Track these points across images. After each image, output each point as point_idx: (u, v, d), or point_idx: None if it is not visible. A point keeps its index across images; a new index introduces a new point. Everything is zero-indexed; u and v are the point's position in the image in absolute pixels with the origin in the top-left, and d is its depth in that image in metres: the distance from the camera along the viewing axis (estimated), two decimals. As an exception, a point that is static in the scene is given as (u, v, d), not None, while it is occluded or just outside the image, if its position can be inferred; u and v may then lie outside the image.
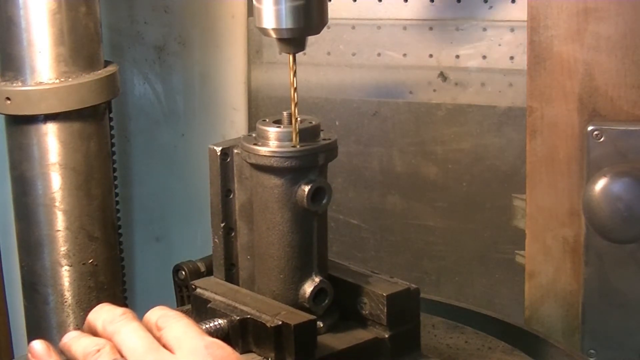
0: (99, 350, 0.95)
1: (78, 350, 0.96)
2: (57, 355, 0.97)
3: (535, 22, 1.51)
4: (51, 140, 1.46)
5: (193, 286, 1.16)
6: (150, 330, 0.97)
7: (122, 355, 0.94)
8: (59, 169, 1.47)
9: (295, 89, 1.07)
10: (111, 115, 1.55)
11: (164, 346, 0.94)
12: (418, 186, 1.84)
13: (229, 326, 1.07)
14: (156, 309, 0.99)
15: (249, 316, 1.07)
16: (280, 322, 1.04)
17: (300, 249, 1.10)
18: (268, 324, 1.04)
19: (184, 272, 1.42)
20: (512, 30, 1.73)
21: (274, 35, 1.06)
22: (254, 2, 1.06)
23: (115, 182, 1.58)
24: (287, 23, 1.05)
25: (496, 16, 1.74)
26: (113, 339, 0.96)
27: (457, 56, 1.78)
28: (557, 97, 1.52)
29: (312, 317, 1.06)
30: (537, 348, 1.31)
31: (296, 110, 1.08)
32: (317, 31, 1.06)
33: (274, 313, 1.06)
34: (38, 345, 0.97)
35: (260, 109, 1.94)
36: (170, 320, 0.96)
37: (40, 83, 1.44)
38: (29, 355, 0.97)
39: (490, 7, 1.74)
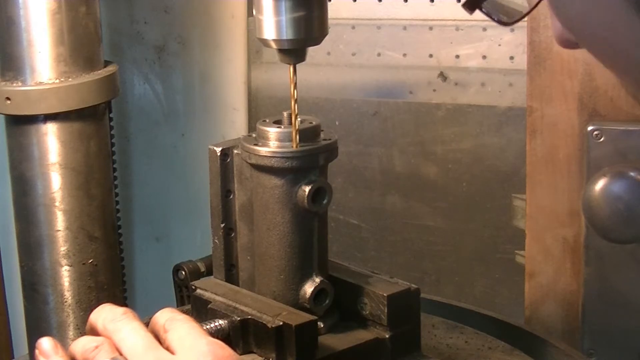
0: (97, 347, 0.95)
1: (77, 348, 0.96)
2: (64, 353, 0.97)
3: (535, 22, 1.51)
4: (51, 140, 1.46)
5: (193, 287, 1.16)
6: (157, 331, 0.97)
7: (121, 354, 0.94)
8: (59, 169, 1.46)
9: (295, 101, 1.07)
10: (111, 115, 1.55)
11: (167, 347, 0.94)
12: (418, 186, 1.84)
13: (230, 327, 1.07)
14: (165, 311, 0.99)
15: (249, 317, 1.07)
16: (281, 323, 1.04)
17: (300, 249, 1.10)
18: (269, 325, 1.04)
19: (184, 272, 1.42)
20: (512, 30, 1.73)
21: (274, 46, 1.06)
22: (255, 13, 1.06)
23: (115, 182, 1.57)
24: (287, 34, 1.05)
25: (496, 16, 1.74)
26: (113, 338, 0.96)
27: (457, 56, 1.78)
28: (557, 97, 1.52)
29: (313, 317, 1.06)
30: (537, 348, 1.31)
31: (297, 122, 1.08)
32: (317, 42, 1.07)
33: (275, 314, 1.06)
34: (46, 342, 0.97)
35: (260, 109, 1.94)
36: (177, 324, 0.96)
37: (40, 83, 1.44)
38: (37, 352, 0.97)
39: (491, 7, 1.74)
